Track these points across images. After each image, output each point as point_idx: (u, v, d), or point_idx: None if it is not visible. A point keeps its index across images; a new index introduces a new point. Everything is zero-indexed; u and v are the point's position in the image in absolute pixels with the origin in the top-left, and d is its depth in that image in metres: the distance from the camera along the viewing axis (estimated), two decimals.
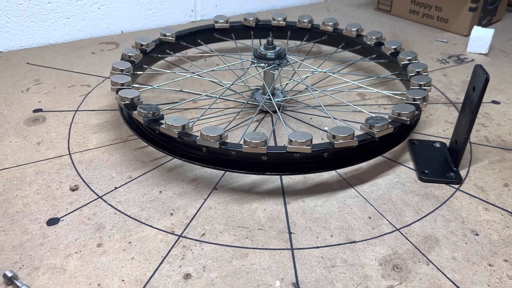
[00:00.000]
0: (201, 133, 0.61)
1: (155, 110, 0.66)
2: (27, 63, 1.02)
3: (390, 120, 0.66)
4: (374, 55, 0.93)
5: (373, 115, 0.66)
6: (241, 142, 0.61)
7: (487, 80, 0.62)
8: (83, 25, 1.14)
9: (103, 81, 0.95)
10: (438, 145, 0.76)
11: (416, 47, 1.13)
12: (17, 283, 0.51)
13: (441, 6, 1.21)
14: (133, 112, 0.67)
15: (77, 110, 0.85)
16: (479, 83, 0.63)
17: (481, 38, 1.08)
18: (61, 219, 0.61)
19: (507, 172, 0.71)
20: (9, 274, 0.52)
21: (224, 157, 0.65)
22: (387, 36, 1.19)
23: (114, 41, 1.14)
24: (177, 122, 0.63)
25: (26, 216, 0.62)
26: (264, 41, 1.07)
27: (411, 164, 0.72)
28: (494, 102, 0.90)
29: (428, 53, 1.10)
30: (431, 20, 1.24)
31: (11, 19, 1.06)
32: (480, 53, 1.10)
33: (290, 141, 0.61)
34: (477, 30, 1.09)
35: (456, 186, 0.68)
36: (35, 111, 0.85)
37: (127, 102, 0.70)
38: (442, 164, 0.72)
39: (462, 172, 0.71)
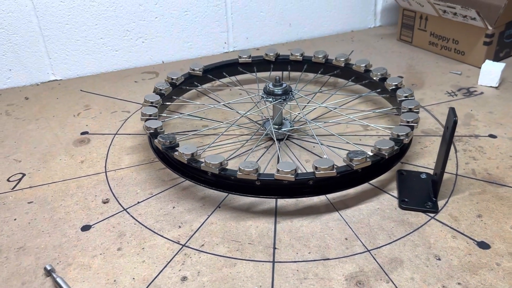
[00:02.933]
0: (205, 160, 0.74)
1: (172, 139, 0.80)
2: (81, 90, 1.21)
3: (370, 154, 0.76)
4: (379, 90, 1.02)
5: (357, 147, 0.76)
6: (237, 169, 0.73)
7: (455, 123, 0.70)
8: (129, 56, 1.31)
9: (141, 107, 1.11)
10: (424, 176, 0.84)
11: (429, 79, 1.20)
12: (54, 275, 0.66)
13: (458, 39, 1.27)
14: (155, 140, 0.81)
15: (116, 134, 1.01)
16: (450, 124, 0.71)
17: (491, 72, 1.14)
18: (92, 226, 0.76)
19: (483, 204, 0.77)
20: (48, 268, 0.67)
21: (226, 180, 0.77)
22: (403, 67, 1.26)
23: (155, 70, 1.31)
24: (188, 150, 0.76)
25: (66, 222, 0.77)
26: (281, 73, 1.20)
27: (395, 193, 0.81)
28: (491, 136, 0.96)
29: (439, 85, 1.17)
30: (448, 52, 1.31)
31: (70, 52, 1.25)
32: (491, 86, 1.15)
33: (278, 170, 0.72)
34: (487, 64, 1.14)
35: (432, 215, 0.76)
36: (82, 133, 1.02)
37: (152, 131, 0.84)
38: (423, 194, 0.80)
39: (441, 202, 0.78)
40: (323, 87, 1.17)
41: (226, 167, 0.75)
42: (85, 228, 0.76)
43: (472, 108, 1.06)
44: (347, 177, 0.76)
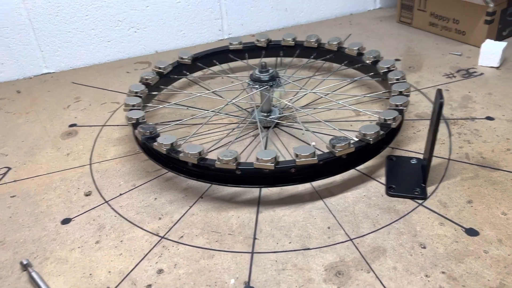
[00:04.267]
0: (183, 150, 0.72)
1: (152, 129, 0.78)
2: (72, 82, 1.20)
3: (354, 140, 0.73)
4: (372, 73, 0.99)
5: (345, 133, 0.73)
6: (216, 158, 0.71)
7: (441, 105, 0.66)
8: (122, 46, 1.30)
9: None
10: (414, 161, 0.81)
11: (427, 61, 1.15)
12: (30, 270, 0.65)
13: (459, 19, 1.22)
14: (135, 130, 0.80)
15: (104, 125, 1.00)
16: (436, 106, 0.68)
17: (491, 51, 1.09)
18: (72, 220, 0.75)
19: (475, 189, 0.74)
20: (25, 262, 0.66)
21: (207, 171, 0.75)
22: (401, 50, 1.22)
23: (147, 60, 1.29)
24: (167, 141, 0.75)
25: (47, 216, 0.76)
26: (275, 59, 1.17)
27: (384, 179, 0.78)
28: (488, 118, 0.91)
29: (437, 67, 1.12)
30: (449, 32, 1.26)
31: (62, 44, 1.24)
32: (492, 67, 1.10)
33: (257, 159, 0.70)
34: (488, 44, 1.09)
35: (420, 201, 0.73)
36: (70, 125, 1.01)
37: (133, 121, 0.83)
38: (413, 180, 0.76)
39: (431, 188, 0.75)
40: (316, 72, 1.13)
41: (206, 157, 0.73)
42: (65, 221, 0.75)
43: (471, 90, 1.01)
44: (331, 164, 0.74)
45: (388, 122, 0.77)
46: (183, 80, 1.12)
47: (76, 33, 1.24)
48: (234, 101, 0.95)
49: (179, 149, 0.75)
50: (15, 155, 0.92)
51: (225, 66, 1.14)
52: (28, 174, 0.87)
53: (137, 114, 0.83)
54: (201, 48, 1.33)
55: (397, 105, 0.80)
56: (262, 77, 0.89)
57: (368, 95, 1.00)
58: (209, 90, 1.05)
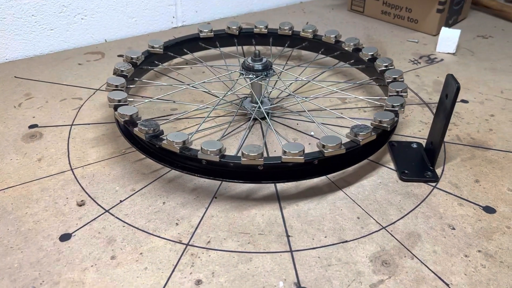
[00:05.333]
0: (201, 147, 0.66)
1: (155, 126, 0.71)
2: (15, 76, 1.04)
3: (372, 127, 0.73)
4: (353, 60, 0.99)
5: (355, 121, 0.73)
6: (239, 154, 0.66)
7: (458, 89, 0.69)
8: (67, 35, 1.16)
9: (94, 93, 0.98)
10: (415, 145, 0.83)
11: (389, 48, 1.20)
12: None
13: (411, 7, 1.28)
14: (134, 129, 0.71)
15: (72, 124, 0.88)
16: (451, 92, 0.70)
17: (448, 38, 1.16)
18: (72, 235, 0.65)
19: (477, 169, 0.78)
20: None
21: (222, 168, 0.70)
22: (361, 37, 1.25)
23: (99, 50, 1.17)
24: (178, 138, 0.67)
25: (39, 233, 0.65)
26: (246, 47, 1.13)
27: (391, 165, 0.79)
28: (463, 101, 0.97)
29: (400, 53, 1.17)
30: (402, 20, 1.31)
31: None
32: (449, 53, 1.17)
33: (284, 152, 0.66)
34: (445, 31, 1.16)
35: (433, 184, 0.75)
36: (30, 126, 0.87)
37: (127, 119, 0.74)
38: (419, 164, 0.78)
39: (438, 171, 0.78)
40: (288, 61, 1.12)
41: (225, 154, 0.68)
42: (65, 237, 0.65)
43: (438, 75, 1.07)
44: (350, 154, 0.72)
45: (396, 108, 0.77)
46: (149, 71, 1.02)
47: (12, 19, 1.08)
48: (229, 93, 0.90)
49: (192, 147, 0.69)
50: None
51: (196, 55, 1.07)
52: None
53: (129, 110, 0.74)
54: (154, 36, 1.25)
55: (397, 91, 0.82)
56: (255, 66, 0.85)
57: (358, 82, 1.01)
58: (194, 82, 0.98)
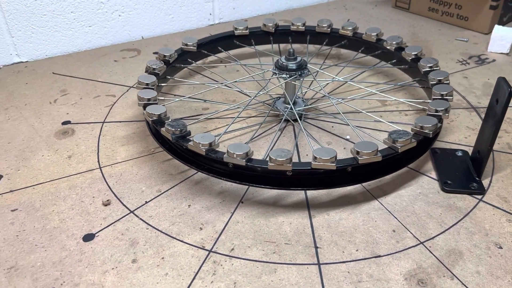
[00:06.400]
0: (227, 150, 0.63)
1: (182, 127, 0.68)
2: (53, 73, 1.05)
3: (412, 134, 0.67)
4: (394, 60, 0.93)
5: (394, 126, 0.68)
6: (267, 158, 0.63)
7: (510, 94, 0.62)
8: (105, 32, 1.16)
9: (127, 90, 0.98)
10: (460, 153, 0.77)
11: (435, 47, 1.12)
12: None
13: (461, 4, 1.20)
14: (161, 129, 0.69)
15: (104, 122, 0.88)
16: (502, 96, 0.64)
17: (502, 37, 1.07)
18: (96, 235, 0.64)
19: None
20: None
21: (249, 172, 0.67)
22: (406, 35, 1.18)
23: (135, 47, 1.16)
24: (204, 140, 0.65)
25: (63, 232, 0.65)
26: (283, 45, 1.09)
27: (433, 174, 0.73)
28: None
29: (448, 53, 1.10)
30: (450, 18, 1.24)
31: (36, 29, 1.08)
32: (502, 53, 1.09)
33: (315, 158, 0.62)
34: (498, 30, 1.08)
35: (479, 197, 0.69)
36: (64, 123, 0.88)
37: (155, 118, 0.72)
38: (464, 174, 0.72)
39: (485, 182, 0.71)
40: (326, 60, 1.07)
41: (252, 157, 0.65)
42: (88, 237, 0.64)
43: (489, 77, 0.99)
44: (386, 161, 0.68)
45: (439, 113, 0.72)
46: (183, 69, 1.01)
47: (52, 16, 1.09)
48: (261, 93, 0.87)
49: (218, 149, 0.66)
50: (4, 160, 0.78)
51: (230, 52, 1.04)
52: (25, 182, 0.74)
53: (157, 110, 0.73)
54: (191, 33, 1.23)
55: (442, 95, 0.76)
56: (289, 65, 0.81)
57: (399, 84, 0.95)
58: (226, 81, 0.95)
